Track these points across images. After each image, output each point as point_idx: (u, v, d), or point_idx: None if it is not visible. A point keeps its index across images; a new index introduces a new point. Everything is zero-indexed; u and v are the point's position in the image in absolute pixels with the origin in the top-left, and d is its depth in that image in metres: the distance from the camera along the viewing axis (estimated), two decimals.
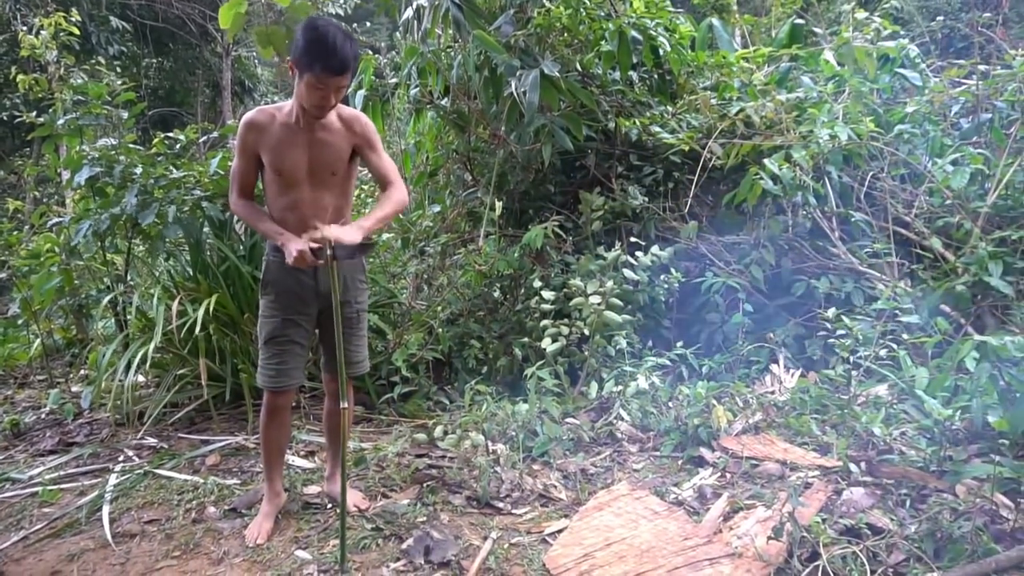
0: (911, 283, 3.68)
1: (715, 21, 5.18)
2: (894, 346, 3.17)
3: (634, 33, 4.21)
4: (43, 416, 4.28)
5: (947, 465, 2.50)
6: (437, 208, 5.31)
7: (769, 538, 2.19)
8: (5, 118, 9.41)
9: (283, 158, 2.42)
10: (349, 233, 2.28)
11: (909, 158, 3.87)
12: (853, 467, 2.62)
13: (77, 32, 5.42)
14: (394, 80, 5.16)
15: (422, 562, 2.35)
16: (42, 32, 5.08)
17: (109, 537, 2.67)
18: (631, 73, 4.75)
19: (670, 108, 4.74)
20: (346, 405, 2.36)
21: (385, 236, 5.14)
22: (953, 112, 4.25)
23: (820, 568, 2.07)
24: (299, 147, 2.42)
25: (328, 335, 2.64)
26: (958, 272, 3.50)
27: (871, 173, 4.01)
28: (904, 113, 4.07)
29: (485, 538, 2.49)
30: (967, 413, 2.64)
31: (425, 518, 2.65)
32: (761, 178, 3.65)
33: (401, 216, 5.44)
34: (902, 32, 4.89)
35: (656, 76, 4.82)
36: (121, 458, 3.52)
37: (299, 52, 2.22)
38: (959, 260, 3.54)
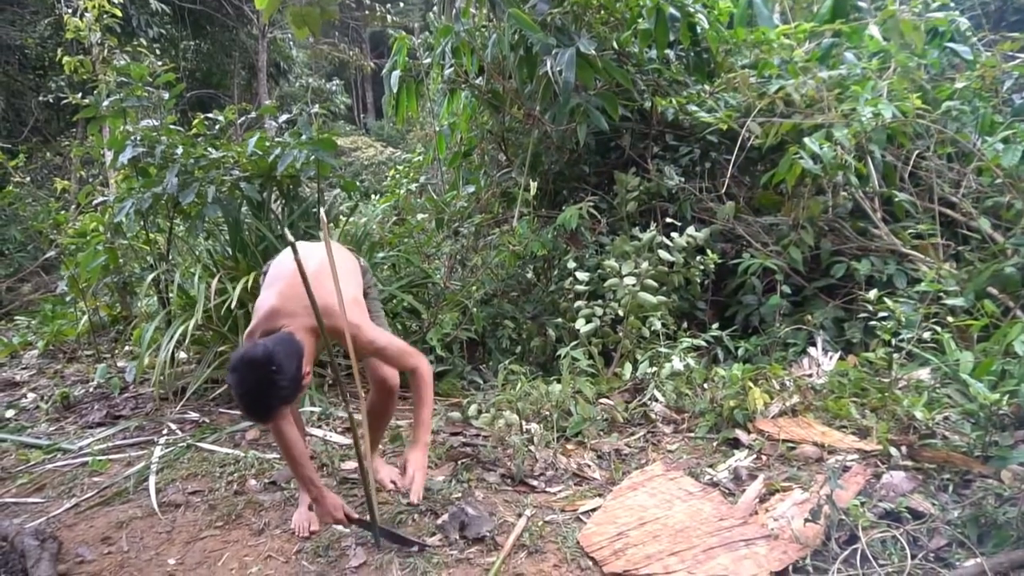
0: (957, 265, 3.58)
1: None
2: (938, 329, 3.10)
3: (671, 10, 4.14)
4: (91, 390, 4.42)
5: (992, 450, 2.44)
6: (471, 189, 5.31)
7: (806, 520, 2.17)
8: (51, 100, 9.64)
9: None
10: (423, 463, 2.40)
11: (957, 136, 3.75)
12: (893, 451, 2.57)
13: (120, 14, 5.51)
14: (428, 60, 5.15)
15: (457, 537, 2.38)
16: (86, 15, 5.18)
17: (155, 506, 2.76)
18: (668, 51, 4.67)
19: (707, 87, 4.66)
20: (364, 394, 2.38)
21: (420, 217, 5.16)
22: (1005, 88, 4.09)
23: (859, 551, 2.05)
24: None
25: None
26: (1007, 254, 3.39)
27: (916, 152, 3.90)
28: (953, 89, 3.94)
29: (519, 515, 2.52)
30: (1015, 398, 2.57)
31: (460, 495, 2.68)
32: (801, 157, 3.57)
33: (435, 196, 5.47)
34: (952, 4, 4.71)
35: (693, 54, 4.73)
36: (165, 431, 3.62)
37: None
38: (1008, 241, 3.43)
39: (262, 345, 2.07)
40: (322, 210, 2.11)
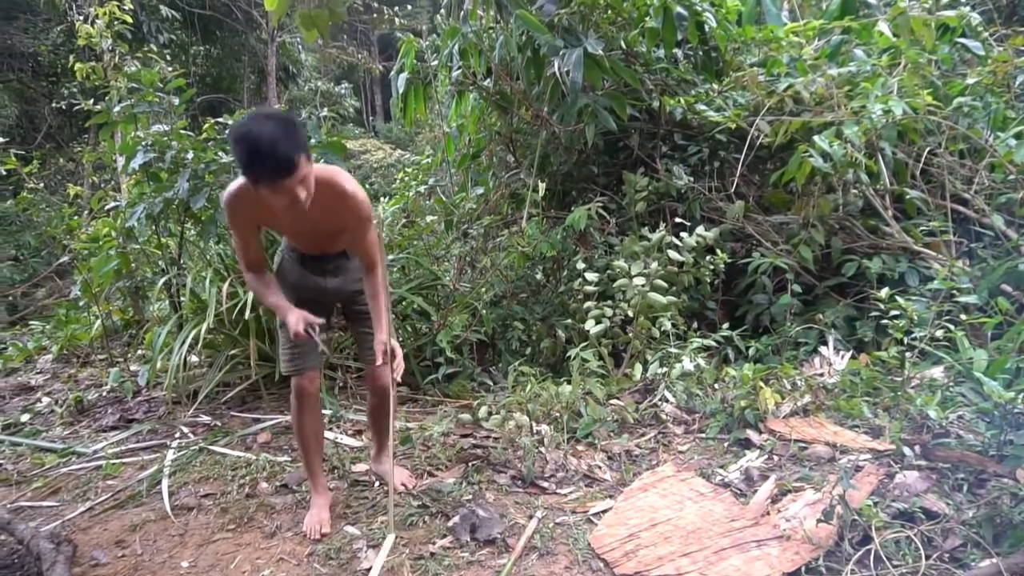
0: (970, 262, 3.55)
1: None
2: (951, 327, 3.06)
3: (679, 9, 4.12)
4: (104, 394, 4.46)
5: (1008, 449, 2.41)
6: (480, 190, 5.32)
7: (819, 521, 2.16)
8: (64, 106, 9.73)
9: (282, 224, 2.44)
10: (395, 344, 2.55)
11: (969, 132, 3.71)
12: (907, 450, 2.55)
13: (130, 20, 5.55)
14: (436, 63, 5.16)
15: (468, 539, 2.38)
16: (97, 21, 5.22)
17: (168, 509, 2.78)
18: (676, 50, 4.66)
19: (716, 85, 4.64)
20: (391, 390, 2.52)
21: (429, 219, 5.18)
22: (1017, 83, 4.04)
23: (872, 552, 2.03)
24: (298, 215, 2.24)
25: (353, 324, 2.81)
26: (1021, 250, 3.36)
27: (928, 149, 3.86)
28: (964, 85, 3.90)
29: (530, 517, 2.52)
30: None
31: (471, 496, 2.68)
32: (810, 155, 3.55)
33: (444, 198, 5.48)
34: None
35: (701, 53, 4.71)
36: (177, 435, 3.65)
37: (239, 165, 2.08)
38: (1022, 238, 3.40)
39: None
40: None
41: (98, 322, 5.26)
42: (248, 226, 2.39)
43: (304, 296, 2.59)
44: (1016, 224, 3.57)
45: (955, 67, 4.36)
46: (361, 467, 3.07)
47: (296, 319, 2.35)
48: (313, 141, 4.11)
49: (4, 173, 5.23)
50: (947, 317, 3.10)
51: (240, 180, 2.27)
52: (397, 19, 14.67)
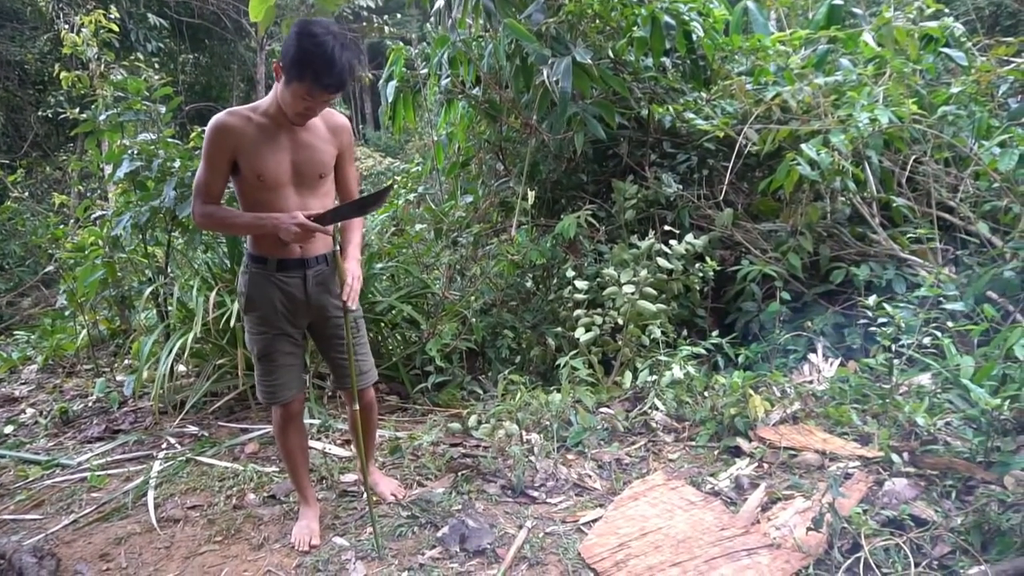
0: (956, 269, 3.57)
1: (750, 4, 5.06)
2: (938, 334, 3.08)
3: (667, 18, 4.14)
4: (90, 404, 4.41)
5: (995, 456, 2.43)
6: (469, 198, 5.31)
7: (808, 529, 2.16)
8: (50, 115, 9.67)
9: (265, 161, 2.23)
10: (359, 272, 2.38)
11: (954, 140, 3.75)
12: (895, 457, 2.56)
13: (117, 29, 5.52)
14: (425, 71, 5.16)
15: (457, 550, 2.37)
16: (83, 30, 5.20)
17: (154, 521, 2.75)
18: (664, 59, 4.68)
19: (704, 94, 4.66)
20: (357, 407, 2.47)
21: (418, 227, 5.17)
22: (1001, 92, 4.10)
23: (862, 560, 2.03)
24: (282, 149, 2.25)
25: (325, 349, 2.60)
26: (1006, 257, 3.38)
27: (913, 157, 3.90)
28: (949, 94, 3.94)
29: (520, 527, 2.50)
30: (1016, 402, 2.56)
31: (460, 507, 2.66)
32: (798, 163, 3.57)
33: (434, 207, 5.47)
34: (946, 10, 4.73)
35: (689, 62, 4.74)
36: (164, 445, 3.61)
37: (291, 60, 2.03)
38: (1007, 245, 3.43)
39: None
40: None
41: (84, 332, 5.21)
42: (227, 158, 2.23)
43: (279, 322, 2.41)
44: (1001, 231, 3.61)
45: (939, 76, 4.41)
46: (350, 477, 3.05)
47: (288, 219, 2.16)
48: None
49: None
50: (934, 324, 3.12)
51: (233, 110, 2.26)
52: (387, 27, 14.67)
